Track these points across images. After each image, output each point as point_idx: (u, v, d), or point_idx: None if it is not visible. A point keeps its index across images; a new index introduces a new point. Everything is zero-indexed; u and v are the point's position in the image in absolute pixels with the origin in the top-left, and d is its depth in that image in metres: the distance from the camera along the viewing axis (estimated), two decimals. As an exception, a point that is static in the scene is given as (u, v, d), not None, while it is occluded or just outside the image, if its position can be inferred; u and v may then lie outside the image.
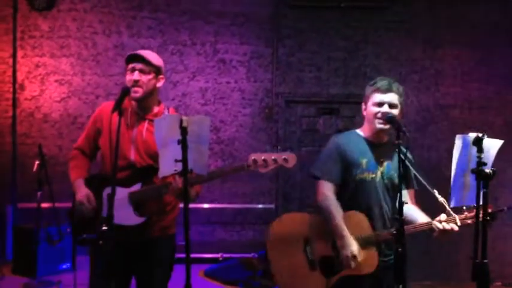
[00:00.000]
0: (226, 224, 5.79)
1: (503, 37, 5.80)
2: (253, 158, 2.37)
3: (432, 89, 5.87)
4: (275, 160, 2.37)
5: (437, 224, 2.44)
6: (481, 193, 2.12)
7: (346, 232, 2.48)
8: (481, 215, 2.15)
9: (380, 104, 2.56)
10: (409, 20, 5.82)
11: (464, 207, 2.44)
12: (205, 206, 5.65)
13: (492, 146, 2.23)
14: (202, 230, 5.74)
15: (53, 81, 5.65)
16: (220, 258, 5.46)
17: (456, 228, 2.43)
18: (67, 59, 5.66)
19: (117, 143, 2.20)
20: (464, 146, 2.21)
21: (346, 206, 2.56)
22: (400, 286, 2.17)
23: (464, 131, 2.32)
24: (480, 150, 2.12)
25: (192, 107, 5.73)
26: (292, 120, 5.90)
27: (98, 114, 2.65)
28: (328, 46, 5.85)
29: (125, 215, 2.40)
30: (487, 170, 2.11)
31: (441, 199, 2.41)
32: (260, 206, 5.73)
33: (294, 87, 5.86)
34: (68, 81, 5.66)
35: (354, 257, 2.45)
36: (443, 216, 2.45)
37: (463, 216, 2.44)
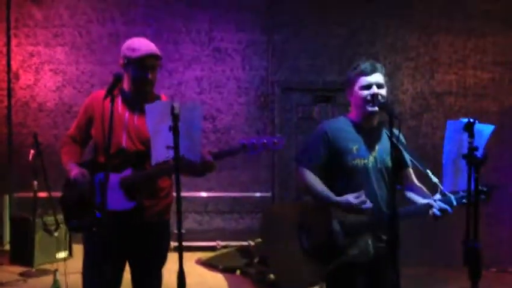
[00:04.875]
0: (223, 212, 5.81)
1: (497, 25, 5.80)
2: (243, 142, 2.39)
3: (427, 76, 5.88)
4: (264, 143, 2.39)
5: (433, 203, 2.42)
6: (472, 178, 2.13)
7: (337, 198, 2.47)
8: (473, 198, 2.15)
9: (368, 87, 2.53)
10: (404, 7, 5.81)
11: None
12: (203, 194, 5.67)
13: (484, 131, 2.23)
14: (200, 218, 5.76)
15: (47, 70, 5.64)
16: (218, 247, 5.48)
17: (450, 210, 2.41)
18: (61, 48, 5.64)
19: (110, 129, 2.20)
20: (456, 131, 2.21)
21: (339, 194, 2.50)
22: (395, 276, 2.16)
23: (460, 118, 2.31)
24: (471, 135, 2.12)
25: (188, 95, 5.72)
26: (288, 108, 5.90)
27: (88, 103, 2.64)
28: (324, 33, 5.84)
29: (116, 200, 2.40)
30: (479, 155, 2.11)
31: (435, 179, 2.40)
32: (257, 194, 5.75)
33: (289, 75, 5.85)
34: (62, 70, 5.65)
35: (358, 202, 2.42)
36: (437, 196, 2.44)
37: (458, 196, 2.43)
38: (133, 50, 2.50)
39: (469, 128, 2.14)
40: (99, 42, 5.66)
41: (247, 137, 2.42)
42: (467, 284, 2.04)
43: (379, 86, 2.52)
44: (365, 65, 2.53)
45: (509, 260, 5.43)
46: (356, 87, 2.55)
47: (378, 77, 2.53)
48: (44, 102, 5.64)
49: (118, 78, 2.37)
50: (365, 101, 2.52)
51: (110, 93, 2.28)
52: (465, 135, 2.16)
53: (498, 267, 5.48)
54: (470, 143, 2.12)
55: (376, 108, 2.50)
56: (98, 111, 2.55)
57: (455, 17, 5.82)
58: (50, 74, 5.64)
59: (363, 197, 2.42)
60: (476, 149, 2.12)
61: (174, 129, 2.08)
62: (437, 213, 2.39)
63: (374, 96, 2.49)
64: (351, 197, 2.43)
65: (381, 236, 2.53)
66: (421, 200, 2.51)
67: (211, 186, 5.68)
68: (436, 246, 5.58)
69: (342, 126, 2.59)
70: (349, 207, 2.42)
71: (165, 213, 2.61)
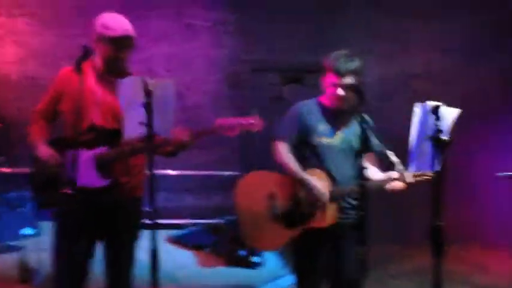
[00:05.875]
0: (193, 190, 5.82)
1: (464, 11, 5.92)
2: (219, 123, 2.41)
3: (396, 59, 5.96)
4: (241, 124, 2.42)
5: (389, 179, 2.65)
6: (438, 159, 2.22)
7: (307, 176, 2.66)
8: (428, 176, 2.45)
9: (336, 85, 2.63)
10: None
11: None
12: (172, 172, 5.64)
13: (449, 114, 2.32)
14: (169, 196, 5.74)
15: (10, 41, 5.44)
16: (188, 225, 5.49)
17: (403, 185, 2.63)
18: (24, 19, 5.44)
19: (79, 104, 2.19)
20: (423, 114, 2.30)
21: (307, 169, 2.71)
22: (361, 248, 2.28)
23: (426, 102, 2.40)
24: (438, 118, 2.22)
25: (156, 72, 5.63)
26: (258, 88, 5.89)
27: (59, 80, 2.60)
28: (295, 14, 5.83)
29: (89, 177, 2.40)
30: (444, 137, 2.21)
31: (394, 159, 2.54)
32: (226, 173, 5.77)
33: (260, 54, 5.84)
34: (25, 42, 5.46)
35: (322, 194, 2.62)
36: (394, 174, 2.62)
37: (413, 173, 2.60)
38: (109, 28, 2.46)
39: (435, 111, 2.23)
40: (64, 13, 5.49)
41: (224, 118, 2.44)
42: (429, 260, 2.16)
43: (349, 87, 2.61)
44: (339, 64, 2.61)
45: (470, 238, 5.65)
46: (327, 79, 2.66)
47: (348, 80, 2.62)
48: (7, 75, 5.46)
49: (87, 52, 2.34)
50: (331, 97, 2.69)
51: (78, 66, 2.25)
52: (431, 118, 2.25)
53: (460, 244, 5.71)
54: (436, 125, 2.21)
55: (341, 106, 2.68)
56: (68, 86, 2.51)
57: (425, 2, 5.91)
58: (13, 46, 5.45)
59: (323, 188, 2.63)
60: (442, 131, 2.22)
61: (148, 106, 2.10)
62: (393, 187, 2.64)
63: (339, 97, 2.64)
64: (316, 183, 2.63)
65: (345, 209, 2.72)
66: (378, 176, 2.71)
67: (181, 164, 5.62)
68: (399, 224, 5.75)
69: (313, 108, 2.79)
70: (309, 188, 2.64)
71: (138, 190, 2.62)
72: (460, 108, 2.37)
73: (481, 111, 5.56)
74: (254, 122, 2.48)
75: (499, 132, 5.84)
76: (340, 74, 2.61)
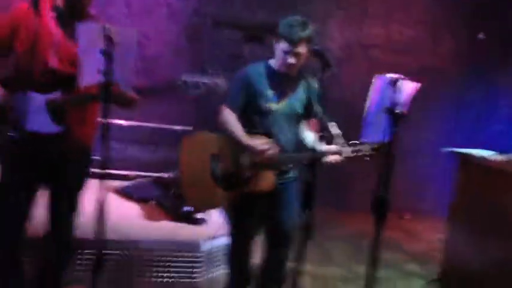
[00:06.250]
0: (141, 142, 5.73)
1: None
2: (184, 79, 2.36)
3: (355, 27, 6.01)
4: (206, 84, 2.38)
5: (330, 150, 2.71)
6: (390, 131, 2.30)
7: (248, 138, 2.68)
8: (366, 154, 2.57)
9: (287, 53, 2.63)
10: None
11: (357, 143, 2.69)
12: (122, 122, 5.51)
13: (408, 88, 2.39)
14: (117, 146, 5.63)
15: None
16: (134, 176, 5.43)
17: (339, 160, 2.70)
18: None
19: (34, 44, 2.10)
20: (383, 85, 2.35)
21: (251, 134, 2.73)
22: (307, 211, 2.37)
23: (383, 72, 2.45)
24: (396, 90, 2.28)
25: (115, 17, 5.41)
26: (218, 43, 5.80)
27: (14, 14, 2.45)
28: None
29: (41, 122, 2.32)
30: (400, 110, 2.28)
31: (335, 131, 2.63)
32: (178, 127, 5.71)
33: (222, 9, 5.72)
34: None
35: (264, 149, 2.64)
36: (333, 147, 2.70)
37: (349, 149, 2.69)
38: None
39: (394, 83, 2.30)
40: None
41: (188, 74, 2.38)
42: (364, 227, 2.27)
43: (299, 55, 2.64)
44: (292, 32, 2.59)
45: (406, 207, 5.95)
46: (278, 45, 2.66)
47: (300, 48, 2.63)
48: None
49: None
50: (281, 62, 2.70)
51: (35, 4, 2.15)
52: (390, 90, 2.31)
53: (395, 213, 6.01)
54: (393, 98, 2.28)
55: (290, 72, 2.71)
56: (24, 22, 2.38)
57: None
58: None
59: (269, 145, 2.65)
60: (398, 104, 2.29)
61: (108, 54, 2.02)
62: (330, 160, 2.68)
63: (289, 64, 2.66)
64: (259, 144, 2.65)
65: (284, 173, 2.81)
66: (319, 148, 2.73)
67: (132, 114, 5.52)
68: (340, 190, 5.93)
69: (262, 72, 2.78)
70: (255, 152, 2.66)
71: (90, 139, 2.56)
72: (415, 79, 2.45)
73: (435, 84, 5.77)
74: (219, 83, 2.43)
75: (450, 107, 6.11)
76: (293, 42, 2.61)
